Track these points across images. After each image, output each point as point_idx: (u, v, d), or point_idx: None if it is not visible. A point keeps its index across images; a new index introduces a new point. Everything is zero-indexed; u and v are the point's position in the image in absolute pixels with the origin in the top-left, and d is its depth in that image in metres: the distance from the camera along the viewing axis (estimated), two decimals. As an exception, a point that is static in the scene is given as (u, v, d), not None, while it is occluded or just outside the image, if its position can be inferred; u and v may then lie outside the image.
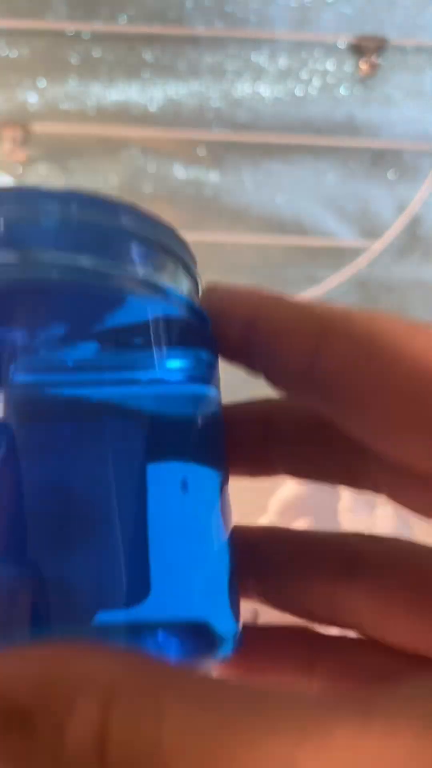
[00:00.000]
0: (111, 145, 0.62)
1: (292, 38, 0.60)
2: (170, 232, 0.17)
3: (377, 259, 0.65)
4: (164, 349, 0.15)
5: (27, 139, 0.61)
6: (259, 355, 0.17)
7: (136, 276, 0.15)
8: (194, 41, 0.59)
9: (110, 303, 0.15)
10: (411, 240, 0.65)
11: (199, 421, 0.16)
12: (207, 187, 0.63)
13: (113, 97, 0.61)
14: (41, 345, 0.14)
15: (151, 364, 0.15)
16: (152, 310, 0.15)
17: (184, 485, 0.15)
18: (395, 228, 0.64)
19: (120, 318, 0.15)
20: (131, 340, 0.15)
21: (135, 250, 0.16)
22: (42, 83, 0.60)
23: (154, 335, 0.15)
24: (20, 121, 0.60)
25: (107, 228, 0.15)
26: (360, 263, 0.65)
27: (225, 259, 0.65)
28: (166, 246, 0.16)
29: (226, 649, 0.15)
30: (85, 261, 0.15)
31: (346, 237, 0.64)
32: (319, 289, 0.65)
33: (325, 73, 0.61)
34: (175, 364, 0.16)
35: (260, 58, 0.60)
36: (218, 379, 0.17)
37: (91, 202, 0.15)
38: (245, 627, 0.17)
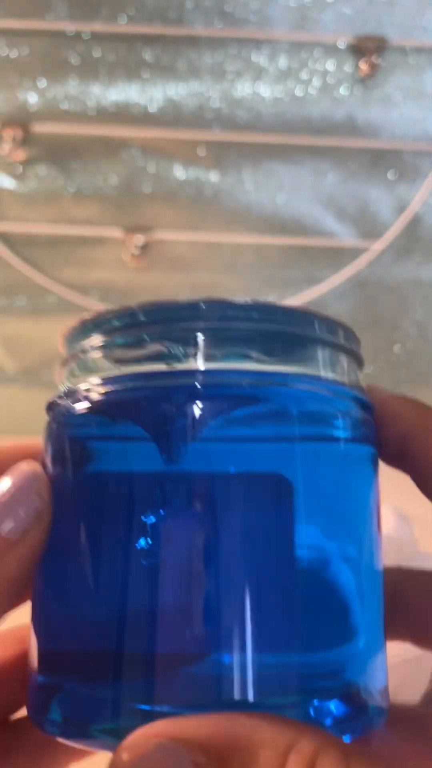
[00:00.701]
0: (111, 145, 0.62)
1: (292, 38, 0.60)
2: (348, 333, 0.19)
3: (377, 259, 0.65)
4: (342, 439, 0.17)
5: (27, 139, 0.61)
6: (413, 467, 0.18)
7: (319, 376, 0.18)
8: (194, 41, 0.59)
9: (297, 400, 0.17)
10: (411, 240, 0.65)
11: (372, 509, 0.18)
12: (207, 187, 0.63)
13: (113, 97, 0.61)
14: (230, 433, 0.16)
15: (331, 455, 0.17)
16: (335, 406, 0.17)
17: (349, 559, 0.17)
18: (395, 228, 0.64)
19: (307, 412, 0.17)
20: (317, 432, 0.17)
21: (320, 354, 0.18)
22: (42, 83, 0.60)
23: (335, 427, 0.17)
24: (20, 121, 0.60)
25: (293, 335, 0.18)
26: (360, 263, 0.65)
27: (225, 259, 0.65)
28: (344, 347, 0.19)
29: (377, 721, 0.17)
30: (273, 365, 0.17)
31: (346, 237, 0.64)
32: (319, 289, 0.65)
33: (325, 73, 0.61)
34: (352, 452, 0.17)
35: (260, 58, 0.60)
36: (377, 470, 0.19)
37: (277, 311, 0.18)
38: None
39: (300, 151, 0.62)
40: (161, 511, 0.15)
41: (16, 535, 0.15)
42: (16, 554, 0.16)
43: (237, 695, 0.15)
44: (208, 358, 0.17)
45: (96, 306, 0.65)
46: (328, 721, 0.15)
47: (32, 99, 0.60)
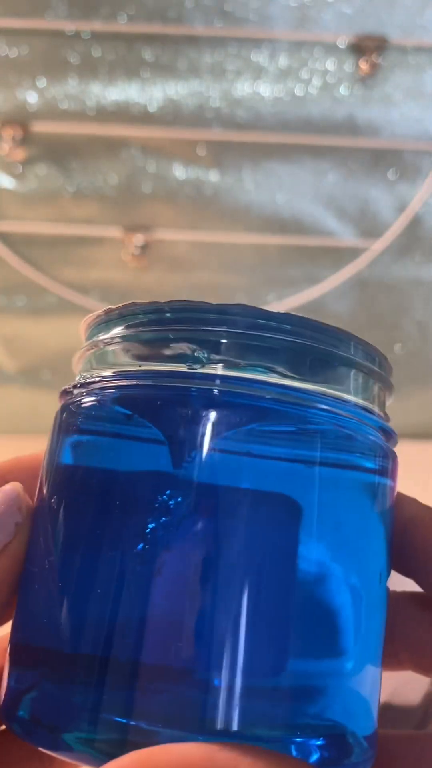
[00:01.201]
0: (111, 144, 0.62)
1: (292, 38, 0.59)
2: (383, 360, 0.18)
3: (377, 259, 0.65)
4: (362, 468, 0.17)
5: (26, 138, 0.61)
6: (411, 562, 0.18)
7: (347, 399, 0.17)
8: (194, 41, 0.59)
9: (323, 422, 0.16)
10: (411, 240, 0.65)
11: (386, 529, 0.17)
12: (207, 186, 0.63)
13: (113, 96, 0.61)
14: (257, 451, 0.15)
15: (348, 483, 0.16)
16: (359, 433, 0.16)
17: (353, 597, 0.16)
18: (395, 228, 0.64)
19: (329, 435, 0.16)
20: (336, 457, 0.16)
21: (351, 377, 0.17)
22: (41, 82, 0.60)
23: (357, 452, 0.16)
24: (19, 121, 0.60)
25: (325, 352, 0.17)
26: (360, 263, 0.65)
27: (225, 258, 0.65)
28: (377, 372, 0.18)
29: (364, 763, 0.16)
30: (297, 383, 0.16)
31: (346, 237, 0.64)
32: (319, 289, 0.65)
33: (325, 72, 0.61)
34: (371, 483, 0.17)
35: (260, 57, 0.60)
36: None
37: (310, 325, 0.17)
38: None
39: (300, 151, 0.62)
40: (163, 518, 0.15)
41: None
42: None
43: (219, 723, 0.14)
44: (231, 365, 0.16)
45: (96, 306, 0.65)
46: (309, 761, 0.14)
47: (32, 98, 0.60)
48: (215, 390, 0.15)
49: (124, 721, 0.14)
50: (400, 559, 0.18)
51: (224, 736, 0.14)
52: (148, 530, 0.15)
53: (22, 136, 0.60)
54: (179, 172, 0.63)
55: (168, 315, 0.16)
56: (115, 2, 0.58)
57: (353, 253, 0.65)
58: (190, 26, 0.59)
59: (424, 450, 0.68)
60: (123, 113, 0.61)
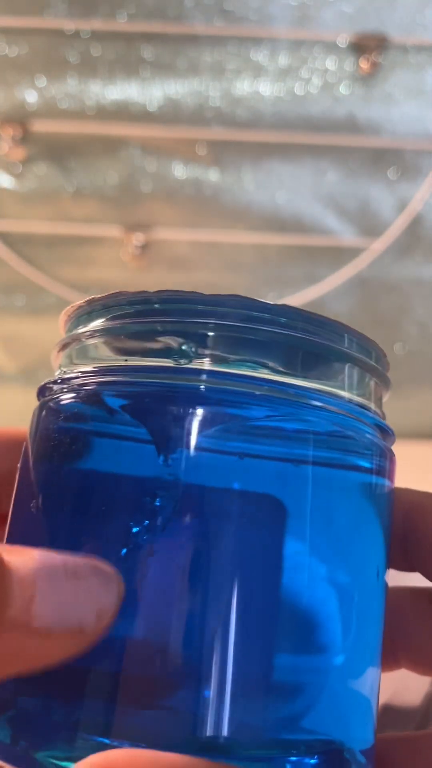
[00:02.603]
0: (110, 143, 0.62)
1: (292, 36, 0.59)
2: (379, 354, 0.17)
3: (378, 258, 0.65)
4: (358, 468, 0.16)
5: (26, 137, 0.61)
6: (416, 554, 0.17)
7: (341, 396, 0.16)
8: (194, 39, 0.59)
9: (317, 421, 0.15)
10: (412, 239, 0.65)
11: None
12: (206, 185, 0.62)
13: (112, 95, 0.60)
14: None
15: (343, 484, 0.15)
16: (355, 431, 0.16)
17: (348, 609, 0.15)
18: (396, 227, 0.64)
19: (323, 433, 0.15)
20: (330, 456, 0.15)
21: (347, 372, 0.16)
22: (41, 81, 0.60)
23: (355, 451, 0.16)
24: (19, 120, 0.60)
25: (320, 346, 0.16)
26: (360, 263, 0.65)
27: (225, 258, 0.64)
28: (374, 368, 0.17)
29: None
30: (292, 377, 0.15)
31: (347, 236, 0.64)
32: (319, 288, 0.65)
33: (325, 71, 0.60)
34: (367, 483, 0.16)
35: (260, 56, 0.60)
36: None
37: (305, 318, 0.16)
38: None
39: (300, 150, 0.62)
40: (147, 521, 0.14)
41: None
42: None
43: (208, 741, 0.13)
44: (220, 360, 0.15)
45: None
46: None
47: (31, 97, 0.60)
48: (202, 387, 0.15)
49: (106, 741, 0.13)
50: (403, 554, 0.18)
51: (213, 756, 0.13)
52: (132, 534, 0.14)
53: (22, 136, 0.60)
54: (179, 171, 0.62)
55: (156, 306, 0.15)
56: (114, 1, 0.58)
57: (353, 252, 0.64)
58: (189, 25, 0.58)
59: (424, 450, 0.68)
60: (123, 112, 0.61)
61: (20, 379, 0.68)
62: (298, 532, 0.14)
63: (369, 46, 0.59)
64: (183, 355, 0.15)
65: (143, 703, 0.13)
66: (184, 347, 0.15)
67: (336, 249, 0.64)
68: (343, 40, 0.59)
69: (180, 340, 0.15)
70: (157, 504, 0.14)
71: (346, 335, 0.16)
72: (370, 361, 0.17)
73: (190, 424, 0.14)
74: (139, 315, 0.16)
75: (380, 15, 0.59)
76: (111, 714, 0.13)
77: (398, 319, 0.67)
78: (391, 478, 0.17)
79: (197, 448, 0.14)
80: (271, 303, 0.15)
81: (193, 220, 0.63)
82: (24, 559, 0.12)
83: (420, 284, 0.66)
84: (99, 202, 0.63)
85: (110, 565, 0.13)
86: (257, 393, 0.15)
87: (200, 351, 0.15)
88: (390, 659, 0.19)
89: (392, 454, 0.17)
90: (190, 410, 0.14)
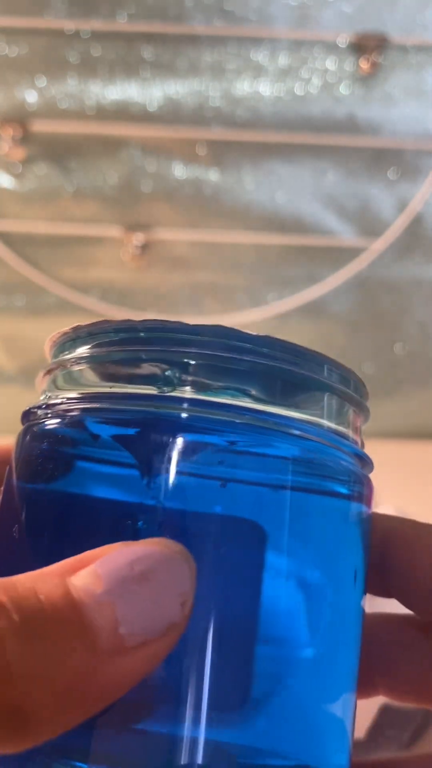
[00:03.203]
0: (110, 143, 0.62)
1: (292, 36, 0.59)
2: (358, 384, 0.18)
3: (378, 258, 0.65)
4: (335, 494, 0.16)
5: (26, 137, 0.61)
6: (393, 580, 0.18)
7: (321, 425, 0.16)
8: (194, 39, 0.59)
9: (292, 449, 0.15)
10: (412, 239, 0.65)
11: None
12: (207, 185, 0.63)
13: (112, 95, 0.60)
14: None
15: (320, 510, 0.16)
16: (333, 459, 0.16)
17: (321, 643, 0.15)
18: (396, 227, 0.64)
19: (302, 461, 0.16)
20: (308, 483, 0.16)
21: (326, 402, 0.17)
22: (41, 82, 0.60)
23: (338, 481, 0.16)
24: (19, 120, 0.60)
25: (300, 377, 0.16)
26: (360, 263, 0.65)
27: (225, 258, 0.64)
28: (352, 397, 0.17)
29: None
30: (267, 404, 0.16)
31: (347, 236, 0.64)
32: (319, 289, 0.65)
33: (325, 71, 0.60)
34: (344, 510, 0.16)
35: (260, 56, 0.60)
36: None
37: (286, 348, 0.16)
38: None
39: (300, 150, 0.62)
40: None
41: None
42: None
43: (183, 767, 0.13)
44: (203, 388, 0.15)
45: (96, 305, 0.65)
46: None
47: (31, 97, 0.60)
48: (185, 415, 0.15)
49: (83, 766, 0.13)
50: (381, 579, 0.18)
51: None
52: None
53: (22, 136, 0.60)
54: (179, 171, 0.62)
55: (141, 334, 0.16)
56: (114, 1, 0.58)
57: (353, 252, 0.65)
58: (190, 25, 0.58)
59: (424, 450, 0.68)
60: (123, 112, 0.61)
61: (20, 379, 0.68)
62: (276, 556, 0.15)
63: (369, 46, 0.59)
64: (167, 382, 0.15)
65: (120, 728, 0.13)
66: (167, 375, 0.15)
67: (336, 249, 0.64)
68: (343, 40, 0.59)
69: (164, 367, 0.15)
70: (139, 527, 0.14)
71: (325, 365, 0.16)
72: (349, 391, 0.17)
73: (173, 451, 0.14)
74: (123, 343, 0.16)
75: (380, 15, 0.59)
76: (89, 739, 0.13)
77: (398, 319, 0.67)
78: (368, 504, 0.17)
79: (178, 474, 0.14)
80: (254, 333, 0.16)
81: (193, 220, 0.63)
82: (89, 581, 0.12)
83: (420, 284, 0.66)
84: (99, 202, 0.63)
85: (171, 539, 0.13)
86: (238, 421, 0.15)
87: (183, 379, 0.15)
88: (368, 685, 0.19)
89: (369, 481, 0.17)
90: (173, 437, 0.15)
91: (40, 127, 0.61)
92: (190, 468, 0.15)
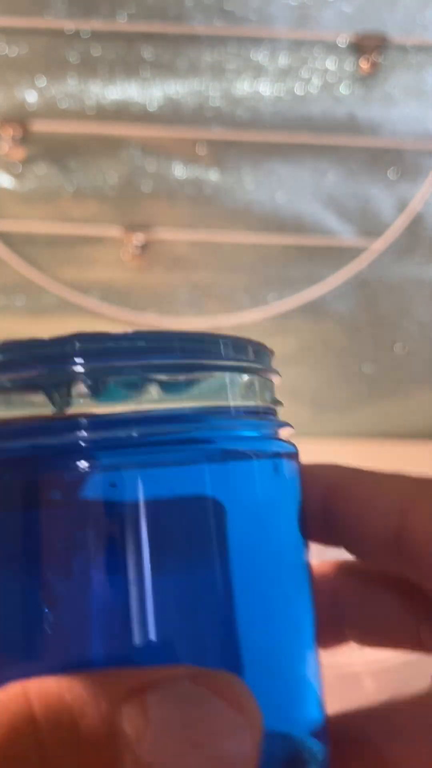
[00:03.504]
0: (110, 143, 0.62)
1: (292, 36, 0.59)
2: (253, 347, 0.17)
3: (378, 258, 0.65)
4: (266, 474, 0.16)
5: (26, 137, 0.61)
6: (339, 529, 0.17)
7: (228, 407, 0.16)
8: (194, 39, 0.59)
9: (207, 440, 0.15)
10: (412, 239, 0.65)
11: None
12: (207, 185, 0.63)
13: (112, 95, 0.60)
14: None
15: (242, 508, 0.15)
16: (248, 438, 0.16)
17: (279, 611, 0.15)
18: (396, 227, 0.64)
19: (216, 453, 0.15)
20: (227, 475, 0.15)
21: (226, 381, 0.16)
22: (41, 81, 0.60)
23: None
24: (19, 120, 0.60)
25: (188, 364, 0.15)
26: (360, 263, 0.65)
27: (225, 258, 0.64)
28: (250, 367, 0.17)
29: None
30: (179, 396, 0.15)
31: (347, 236, 0.64)
32: (319, 289, 0.65)
33: (325, 71, 0.60)
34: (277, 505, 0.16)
35: (260, 56, 0.60)
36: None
37: (164, 338, 0.15)
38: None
39: (300, 150, 0.62)
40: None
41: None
42: None
43: None
44: (94, 400, 0.14)
45: (95, 305, 0.65)
46: None
47: (31, 97, 0.60)
48: (78, 437, 0.14)
49: None
50: (326, 529, 0.18)
51: None
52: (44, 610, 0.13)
53: (22, 136, 0.60)
54: (179, 171, 0.62)
55: (11, 357, 0.14)
56: (114, 1, 0.58)
57: (353, 252, 0.65)
58: (190, 25, 0.58)
59: (424, 450, 0.68)
60: (123, 112, 0.61)
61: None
62: (207, 533, 0.14)
63: (369, 46, 0.59)
64: (55, 405, 0.14)
65: None
66: (53, 398, 0.14)
67: (336, 249, 0.64)
68: (343, 40, 0.59)
69: (47, 390, 0.15)
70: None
71: (219, 342, 0.16)
72: (247, 359, 0.16)
73: (68, 483, 0.14)
74: (2, 370, 0.15)
75: (380, 15, 0.59)
76: None
77: (398, 319, 0.67)
78: (293, 460, 0.17)
79: (73, 503, 0.14)
80: (121, 332, 0.15)
81: (193, 220, 0.63)
82: (139, 724, 0.10)
83: (420, 284, 0.66)
84: (99, 202, 0.63)
85: (238, 681, 0.12)
86: (135, 434, 0.14)
87: (70, 398, 0.14)
88: (336, 634, 0.19)
89: (293, 449, 0.17)
90: (66, 469, 0.14)
91: (40, 127, 0.61)
92: (90, 494, 0.14)
